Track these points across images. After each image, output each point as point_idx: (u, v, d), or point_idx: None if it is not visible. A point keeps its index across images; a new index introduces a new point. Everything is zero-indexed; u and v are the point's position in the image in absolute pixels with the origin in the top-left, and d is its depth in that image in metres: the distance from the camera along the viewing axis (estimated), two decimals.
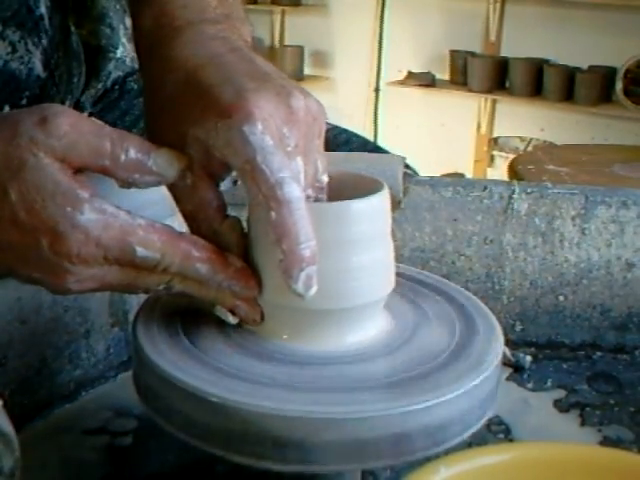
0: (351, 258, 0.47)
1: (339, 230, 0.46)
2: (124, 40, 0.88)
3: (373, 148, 0.91)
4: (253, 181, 0.44)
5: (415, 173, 0.77)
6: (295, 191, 0.44)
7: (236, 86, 0.46)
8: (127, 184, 0.46)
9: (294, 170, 0.45)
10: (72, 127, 0.44)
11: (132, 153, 0.45)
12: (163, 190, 0.48)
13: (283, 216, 0.43)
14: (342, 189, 0.50)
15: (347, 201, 0.47)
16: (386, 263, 0.49)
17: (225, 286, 0.47)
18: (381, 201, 0.48)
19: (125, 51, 0.88)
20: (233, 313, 0.49)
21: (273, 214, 0.43)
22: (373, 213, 0.48)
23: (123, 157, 0.45)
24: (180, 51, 0.50)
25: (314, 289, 0.44)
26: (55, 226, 0.43)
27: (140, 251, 0.44)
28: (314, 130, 0.48)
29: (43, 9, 0.73)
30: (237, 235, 0.48)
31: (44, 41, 0.73)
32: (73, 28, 0.83)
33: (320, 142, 0.49)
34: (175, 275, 0.46)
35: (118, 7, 0.88)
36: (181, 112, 0.47)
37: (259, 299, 0.48)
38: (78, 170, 0.44)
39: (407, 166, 0.75)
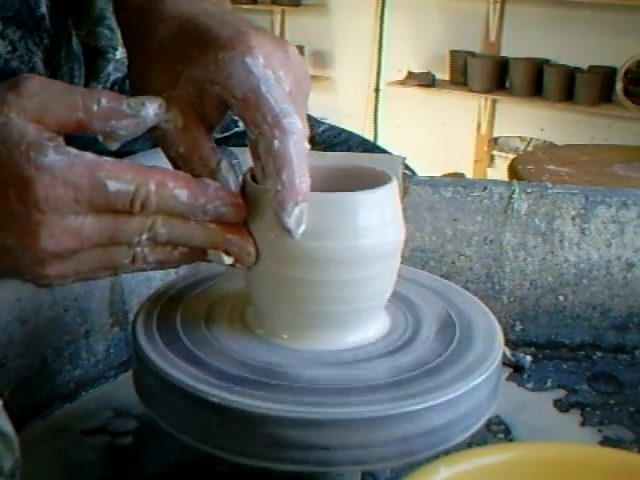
0: (356, 243, 0.46)
1: (346, 221, 0.46)
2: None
3: (372, 147, 0.91)
4: (257, 110, 0.43)
5: (413, 174, 0.77)
6: (298, 123, 0.43)
7: (235, 27, 0.47)
8: (108, 135, 0.45)
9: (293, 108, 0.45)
10: (42, 87, 0.44)
11: (104, 102, 0.44)
12: None
13: (287, 146, 0.43)
14: (350, 181, 0.50)
15: (355, 192, 0.46)
16: (390, 270, 0.49)
17: (210, 210, 0.45)
18: (389, 193, 0.48)
19: (124, 52, 0.88)
20: (227, 254, 0.47)
21: (276, 143, 0.43)
22: (381, 205, 0.47)
23: (96, 107, 0.44)
24: (173, 6, 0.50)
25: (303, 227, 0.43)
26: (20, 173, 0.42)
27: (111, 185, 0.42)
28: (303, 86, 0.49)
29: (44, 9, 0.73)
30: (235, 174, 0.47)
31: (46, 41, 0.73)
32: (73, 30, 0.83)
33: (306, 106, 0.49)
34: (156, 214, 0.44)
35: None
36: (175, 55, 0.47)
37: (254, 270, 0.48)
38: (56, 133, 0.44)
39: (406, 166, 0.75)
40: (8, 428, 0.39)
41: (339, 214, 0.45)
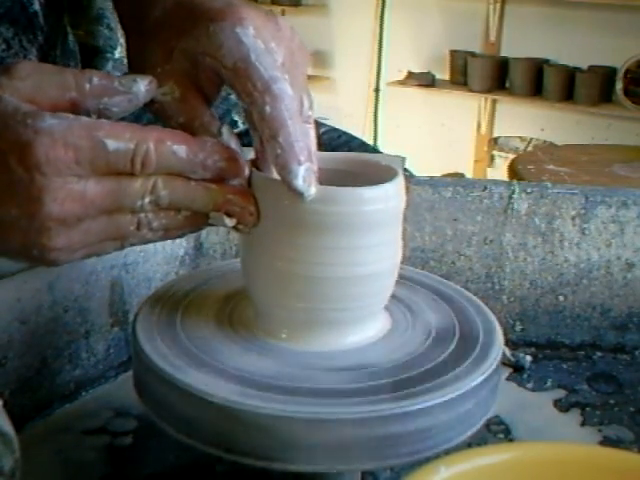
0: (360, 247, 0.46)
1: (350, 216, 0.45)
2: (122, 41, 0.88)
3: (371, 151, 0.92)
4: (247, 78, 0.44)
5: (411, 175, 0.77)
6: (288, 90, 0.44)
7: (227, 0, 0.48)
8: (101, 113, 0.45)
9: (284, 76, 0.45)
10: (34, 69, 0.44)
11: (96, 80, 0.45)
12: None
13: (279, 110, 0.43)
14: (356, 175, 0.50)
15: (361, 187, 0.46)
16: (391, 265, 0.49)
17: (210, 165, 0.45)
18: (395, 189, 0.48)
19: (123, 51, 0.88)
20: (229, 215, 0.47)
21: (268, 108, 0.43)
22: (386, 201, 0.47)
23: (88, 85, 0.44)
24: None
25: (314, 188, 0.43)
26: (19, 138, 0.42)
27: (111, 144, 0.42)
28: (299, 57, 0.49)
29: (37, 6, 0.73)
30: (236, 137, 0.48)
31: (40, 38, 0.73)
32: (69, 29, 0.83)
33: (305, 78, 0.50)
34: (157, 174, 0.44)
35: None
36: (169, 30, 0.48)
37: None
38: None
39: (404, 169, 0.75)
40: (8, 428, 0.39)
41: (344, 208, 0.45)
